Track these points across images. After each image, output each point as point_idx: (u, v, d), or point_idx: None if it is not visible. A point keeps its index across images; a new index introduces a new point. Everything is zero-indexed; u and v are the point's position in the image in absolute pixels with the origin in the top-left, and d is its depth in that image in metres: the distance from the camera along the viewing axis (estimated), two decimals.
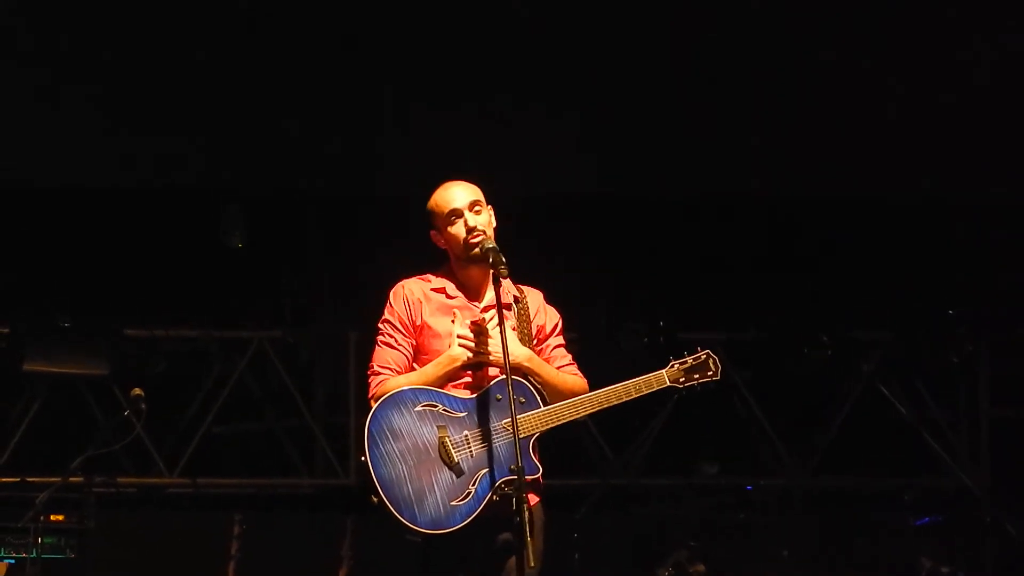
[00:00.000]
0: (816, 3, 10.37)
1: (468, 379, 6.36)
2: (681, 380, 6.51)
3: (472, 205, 6.42)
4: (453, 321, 6.39)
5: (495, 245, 6.34)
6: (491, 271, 6.31)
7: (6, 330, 10.82)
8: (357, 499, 10.52)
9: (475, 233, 6.38)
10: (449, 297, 6.46)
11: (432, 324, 6.41)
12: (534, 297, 6.59)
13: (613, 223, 11.24)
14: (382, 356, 6.46)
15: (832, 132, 10.79)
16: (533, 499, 6.30)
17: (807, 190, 11.20)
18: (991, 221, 11.23)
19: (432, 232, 6.50)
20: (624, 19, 10.43)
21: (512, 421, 6.13)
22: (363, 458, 6.19)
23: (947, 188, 11.15)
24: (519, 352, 6.35)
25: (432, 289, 6.48)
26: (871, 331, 11.42)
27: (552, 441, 6.42)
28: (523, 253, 6.63)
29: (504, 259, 6.32)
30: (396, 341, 6.45)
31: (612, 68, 10.60)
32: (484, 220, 6.43)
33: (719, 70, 10.58)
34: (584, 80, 10.59)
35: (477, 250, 6.36)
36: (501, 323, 6.24)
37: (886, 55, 10.55)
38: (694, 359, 6.55)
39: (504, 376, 6.23)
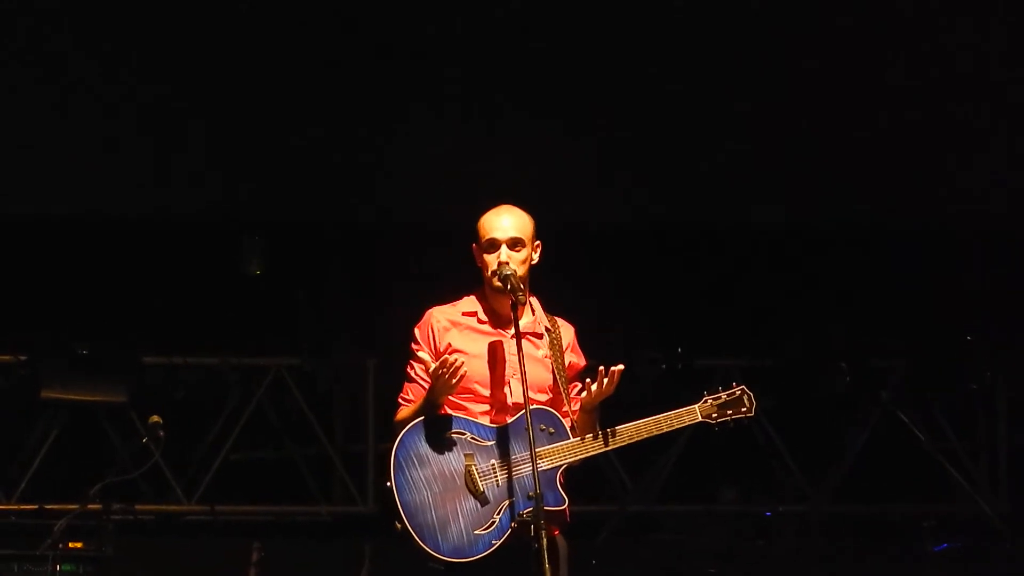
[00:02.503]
0: (836, 31, 10.40)
1: (497, 407, 6.35)
2: (714, 416, 6.46)
3: (513, 243, 6.37)
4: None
5: (514, 271, 6.32)
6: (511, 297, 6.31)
7: (24, 357, 10.84)
8: (375, 526, 10.53)
9: (500, 271, 6.33)
10: (480, 322, 6.44)
11: (462, 347, 6.38)
12: (566, 330, 6.55)
13: (631, 251, 11.25)
14: (406, 389, 6.47)
15: (851, 161, 10.80)
16: (557, 529, 6.29)
17: (826, 219, 11.21)
18: (1009, 246, 11.22)
19: (473, 245, 6.47)
20: (646, 50, 10.46)
21: (531, 450, 6.12)
22: (388, 484, 6.18)
23: (965, 214, 11.15)
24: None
25: (463, 313, 6.46)
26: (889, 358, 11.40)
27: (571, 467, 6.40)
28: (543, 281, 6.63)
29: (522, 286, 6.32)
30: (416, 372, 6.45)
31: (633, 97, 10.62)
32: (519, 258, 6.37)
33: (738, 99, 10.59)
34: (604, 109, 10.61)
35: (499, 283, 6.35)
36: (519, 349, 6.23)
37: (905, 81, 10.57)
38: (728, 394, 6.49)
39: (536, 406, 6.26)
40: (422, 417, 6.26)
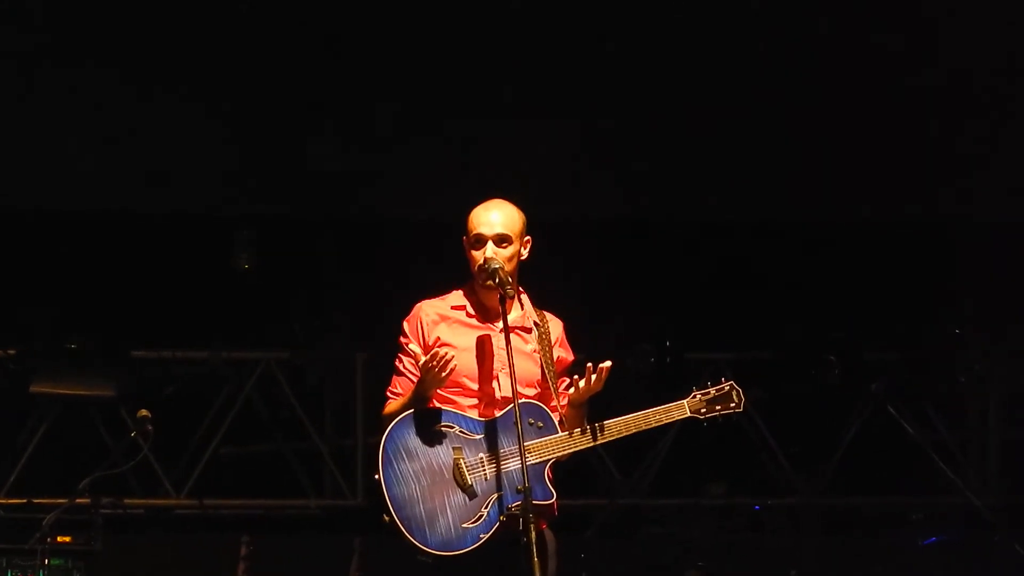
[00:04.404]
0: (832, 29, 10.40)
1: (486, 401, 6.35)
2: (703, 411, 6.48)
3: (500, 239, 6.38)
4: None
5: (500, 266, 6.32)
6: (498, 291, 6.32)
7: (14, 352, 10.82)
8: (365, 520, 10.53)
9: (487, 267, 6.33)
10: (469, 316, 6.45)
11: (450, 340, 6.39)
12: (555, 325, 6.57)
13: (623, 245, 11.25)
14: (394, 382, 6.49)
15: (842, 155, 10.81)
16: (544, 523, 6.30)
17: (815, 213, 11.22)
18: (998, 239, 11.24)
19: (463, 239, 6.48)
20: (643, 46, 10.46)
21: (519, 443, 6.13)
22: (376, 476, 6.18)
23: (954, 207, 11.16)
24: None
25: (452, 307, 6.47)
26: (879, 351, 11.41)
27: (559, 461, 6.40)
28: (534, 275, 6.63)
29: (510, 281, 6.32)
30: (404, 365, 6.47)
31: (628, 91, 10.62)
32: (506, 255, 6.37)
33: (732, 94, 10.60)
34: (600, 104, 10.61)
35: (489, 281, 6.34)
36: (508, 343, 6.24)
37: (901, 78, 10.58)
38: (717, 390, 6.51)
39: (525, 400, 6.26)
40: (411, 410, 6.27)
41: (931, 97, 10.64)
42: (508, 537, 6.13)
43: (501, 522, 6.17)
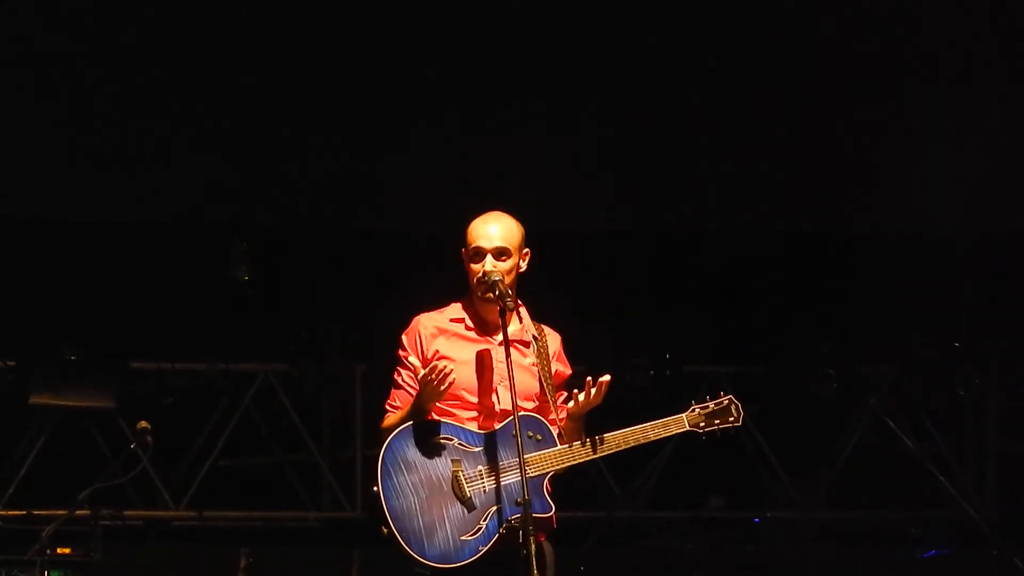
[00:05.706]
0: (827, 37, 10.42)
1: (485, 413, 6.35)
2: (701, 425, 6.47)
3: (499, 252, 6.36)
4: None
5: (499, 279, 6.31)
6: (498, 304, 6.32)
7: (13, 363, 10.83)
8: (364, 532, 10.53)
9: (487, 279, 6.33)
10: (467, 329, 6.44)
11: (449, 354, 6.38)
12: (553, 339, 6.55)
13: (621, 257, 11.26)
14: (393, 395, 6.48)
15: (842, 168, 10.83)
16: (543, 535, 6.29)
17: (815, 225, 11.23)
18: (996, 254, 11.25)
19: (462, 251, 6.47)
20: (639, 58, 10.48)
21: (519, 456, 6.13)
22: (375, 488, 6.19)
23: (954, 223, 11.17)
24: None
25: (450, 320, 6.47)
26: (877, 365, 11.41)
27: (557, 474, 6.40)
28: (532, 288, 6.63)
29: (510, 292, 6.32)
30: (403, 379, 6.46)
31: (623, 103, 10.63)
32: (505, 268, 6.35)
33: (730, 103, 10.61)
34: (594, 117, 10.62)
35: (488, 293, 6.34)
36: (507, 356, 6.24)
37: (898, 88, 10.59)
38: (716, 404, 6.50)
39: (524, 413, 6.26)
40: (410, 423, 6.26)
41: (932, 105, 10.67)
42: (507, 550, 6.13)
43: (500, 535, 6.17)
